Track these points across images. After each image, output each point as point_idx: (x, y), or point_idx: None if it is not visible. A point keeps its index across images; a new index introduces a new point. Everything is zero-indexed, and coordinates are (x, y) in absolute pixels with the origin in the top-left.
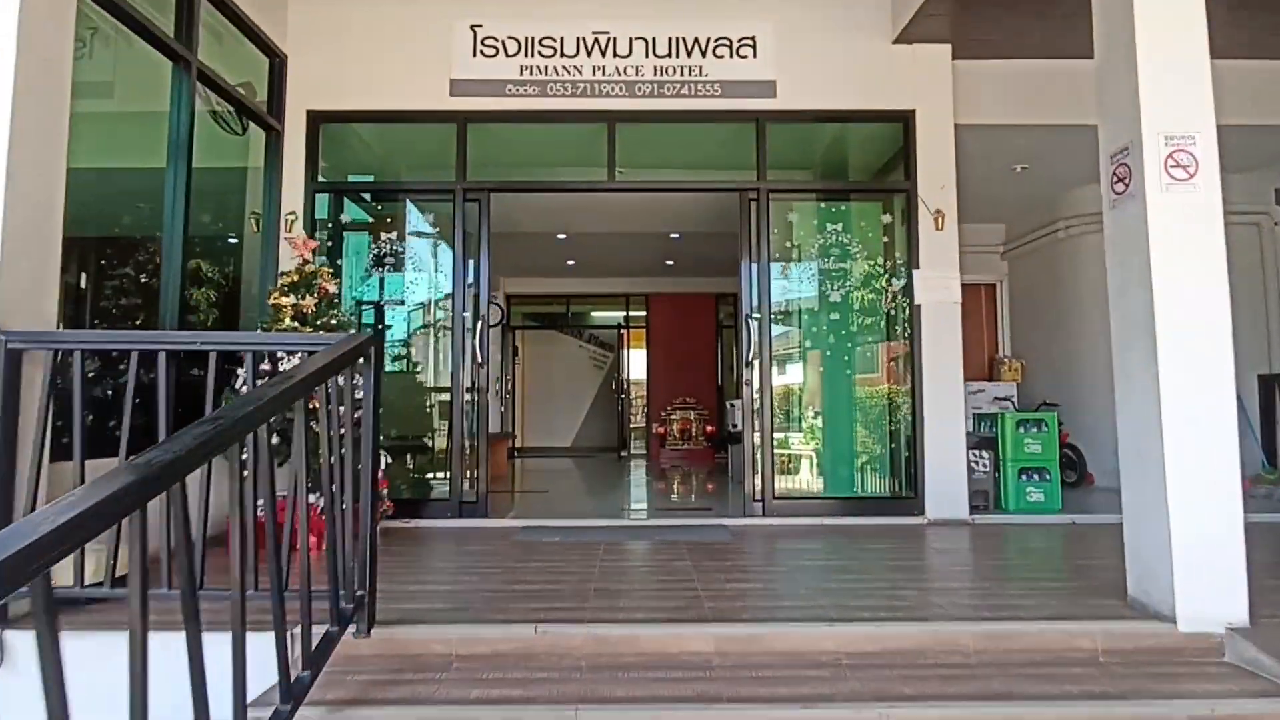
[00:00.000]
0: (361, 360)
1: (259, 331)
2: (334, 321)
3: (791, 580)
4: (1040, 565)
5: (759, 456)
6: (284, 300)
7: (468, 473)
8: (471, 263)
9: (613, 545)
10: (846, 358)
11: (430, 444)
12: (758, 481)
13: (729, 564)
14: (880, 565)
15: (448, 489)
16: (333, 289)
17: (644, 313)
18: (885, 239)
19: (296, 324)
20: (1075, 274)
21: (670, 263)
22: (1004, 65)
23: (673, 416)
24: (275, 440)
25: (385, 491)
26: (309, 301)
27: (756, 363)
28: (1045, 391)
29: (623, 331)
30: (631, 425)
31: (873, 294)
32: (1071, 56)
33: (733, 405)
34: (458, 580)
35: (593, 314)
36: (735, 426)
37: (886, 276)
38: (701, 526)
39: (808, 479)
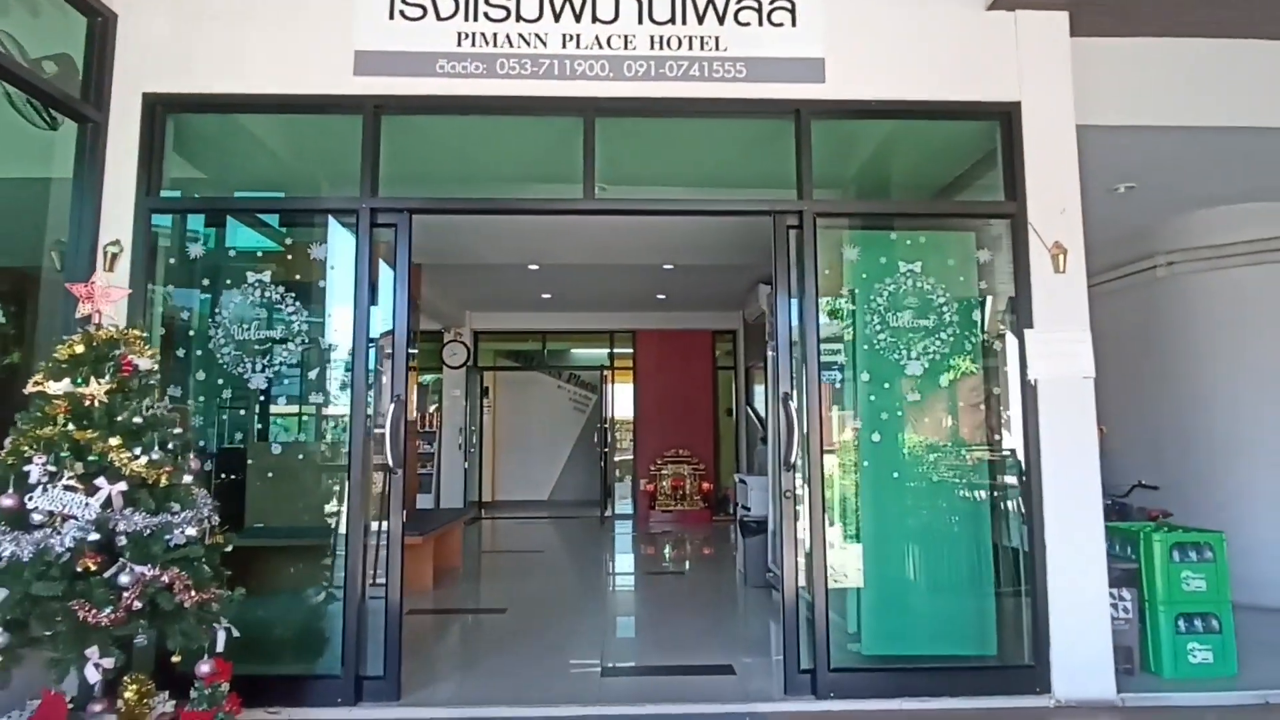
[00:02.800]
0: None
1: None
2: (138, 420)
3: None
4: None
5: (805, 598)
6: (53, 387)
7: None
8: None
9: None
10: (929, 456)
11: (324, 581)
12: (804, 641)
13: None
14: None
15: (340, 655)
16: (146, 364)
17: (631, 350)
18: (983, 284)
19: (75, 427)
20: (1184, 321)
21: (662, 296)
22: (1133, 46)
23: (663, 471)
24: None
25: (225, 688)
26: (95, 389)
27: (802, 464)
28: (1138, 469)
29: (607, 372)
30: (617, 468)
31: (965, 364)
32: (1244, 35)
33: (743, 481)
34: None
35: (573, 352)
36: (747, 509)
37: (984, 339)
38: (721, 718)
39: (873, 627)
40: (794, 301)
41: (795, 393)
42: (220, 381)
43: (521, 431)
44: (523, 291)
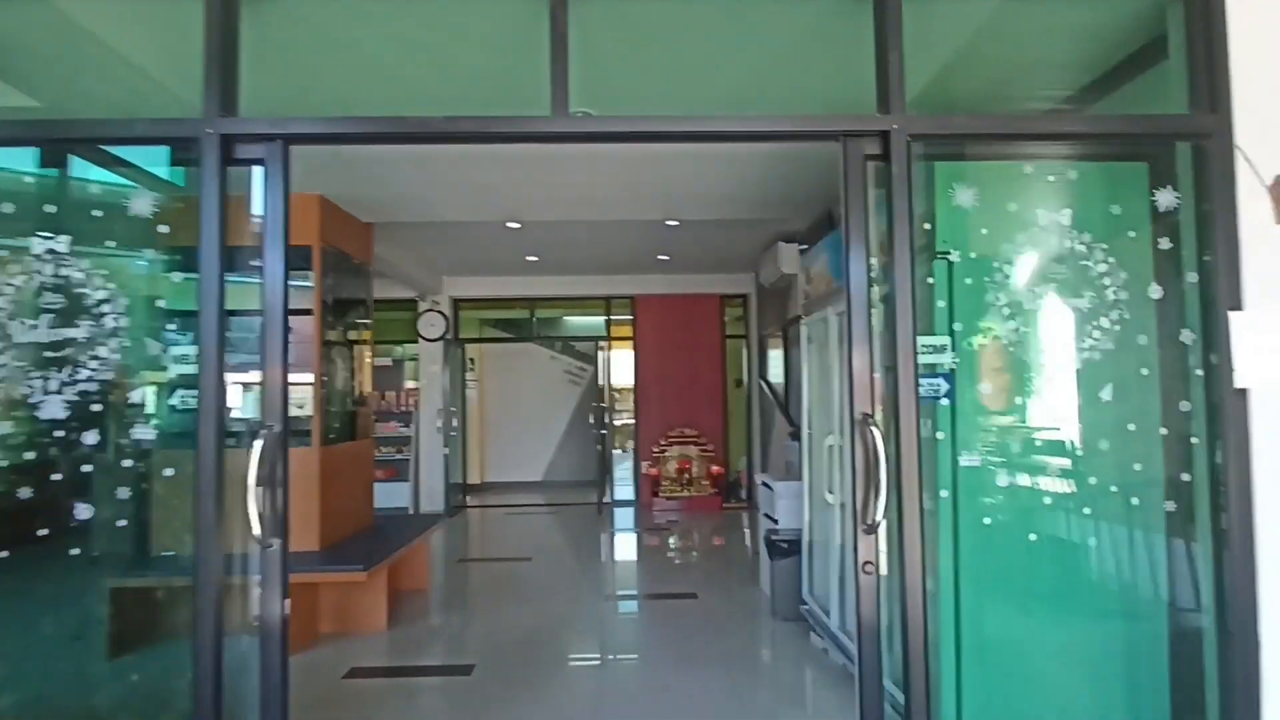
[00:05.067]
0: None
1: None
2: None
3: None
4: None
5: (891, 695)
6: None
7: None
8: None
9: None
10: (1079, 505)
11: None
12: None
13: None
14: None
15: None
16: None
17: (630, 317)
18: (1164, 240)
19: None
20: None
21: (664, 257)
22: None
23: (668, 453)
24: None
25: None
26: None
27: (891, 518)
28: None
29: (604, 343)
30: (616, 441)
31: (1131, 360)
32: None
33: (768, 486)
34: None
35: (566, 320)
36: (774, 521)
37: (1160, 324)
38: None
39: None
40: (869, 267)
41: (877, 410)
42: None
43: (511, 408)
44: (505, 254)
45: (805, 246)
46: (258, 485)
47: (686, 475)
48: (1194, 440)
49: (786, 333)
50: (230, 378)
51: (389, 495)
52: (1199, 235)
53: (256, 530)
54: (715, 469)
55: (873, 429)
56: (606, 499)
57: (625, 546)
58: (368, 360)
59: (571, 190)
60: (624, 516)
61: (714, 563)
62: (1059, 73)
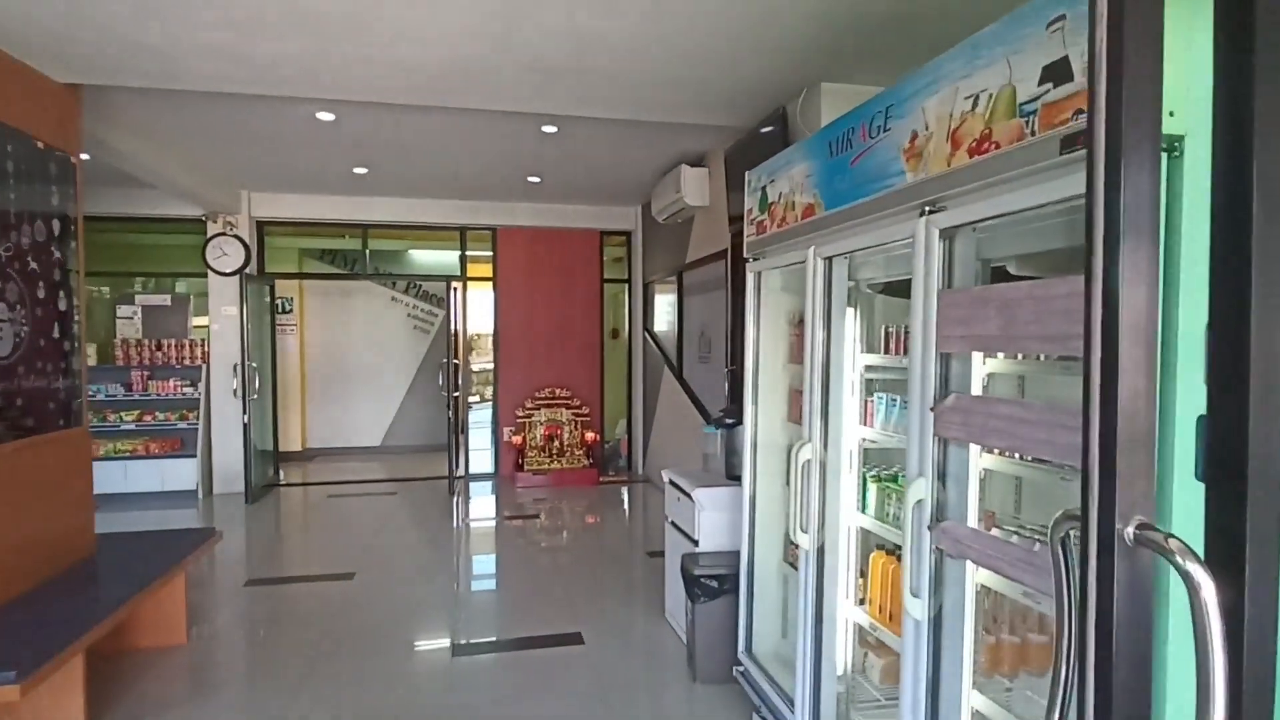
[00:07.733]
0: None
1: None
2: None
3: None
4: None
5: None
6: None
7: None
8: None
9: None
10: None
11: None
12: None
13: None
14: None
15: None
16: None
17: (490, 253)
18: None
19: None
20: None
21: (535, 179)
22: None
23: (534, 417)
24: None
25: None
26: None
27: None
28: None
29: (457, 284)
30: (472, 392)
31: None
32: None
33: (681, 490)
34: None
35: (410, 254)
36: (695, 541)
37: None
38: None
39: None
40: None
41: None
42: None
43: (341, 359)
44: (323, 162)
45: (744, 158)
46: None
47: (557, 443)
48: None
49: (682, 278)
50: None
51: (169, 476)
52: None
53: None
54: (590, 435)
55: (1193, 568)
56: (460, 472)
57: (484, 546)
58: (73, 302)
59: (400, 48)
60: (482, 494)
61: (599, 570)
62: None
